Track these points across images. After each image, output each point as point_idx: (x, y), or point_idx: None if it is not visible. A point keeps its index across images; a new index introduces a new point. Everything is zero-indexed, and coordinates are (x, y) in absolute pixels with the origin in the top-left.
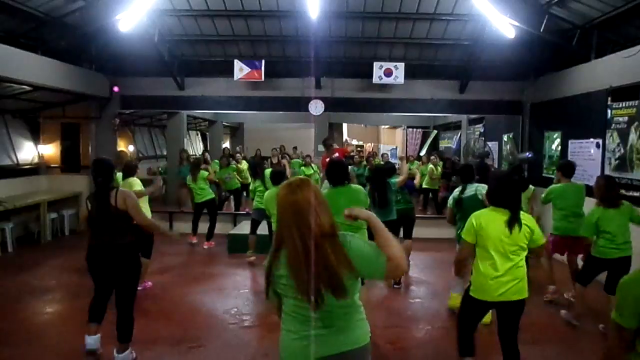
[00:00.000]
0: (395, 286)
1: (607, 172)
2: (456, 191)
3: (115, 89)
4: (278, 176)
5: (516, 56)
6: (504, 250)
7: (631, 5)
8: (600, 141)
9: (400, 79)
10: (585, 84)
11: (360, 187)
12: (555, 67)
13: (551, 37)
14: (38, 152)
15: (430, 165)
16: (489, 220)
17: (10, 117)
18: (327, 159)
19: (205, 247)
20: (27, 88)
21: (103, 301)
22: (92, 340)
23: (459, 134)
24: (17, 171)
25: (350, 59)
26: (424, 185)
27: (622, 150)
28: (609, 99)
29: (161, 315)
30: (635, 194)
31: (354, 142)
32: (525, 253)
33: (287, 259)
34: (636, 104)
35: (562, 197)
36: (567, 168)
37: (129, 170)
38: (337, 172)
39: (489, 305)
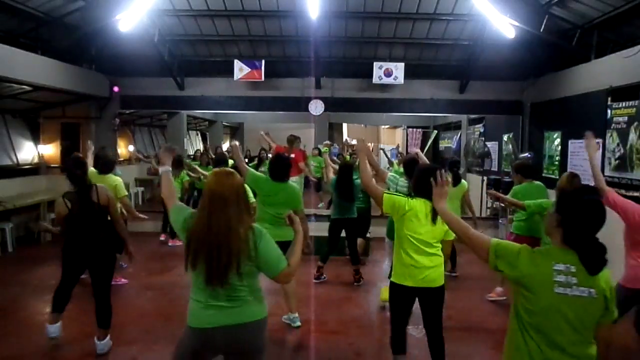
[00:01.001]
0: (355, 284)
1: (607, 172)
2: (395, 184)
3: (115, 89)
4: (220, 160)
5: (516, 56)
6: (424, 239)
7: (631, 5)
8: (600, 141)
9: (400, 79)
10: (585, 84)
11: (297, 188)
12: (555, 67)
13: (551, 37)
14: (38, 152)
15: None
16: (417, 208)
17: (10, 117)
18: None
19: (170, 244)
20: (27, 88)
21: (68, 292)
22: (54, 329)
23: (459, 134)
24: (17, 171)
25: (350, 59)
26: None
27: (622, 150)
28: (609, 99)
29: (161, 315)
30: (635, 193)
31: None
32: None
33: (198, 243)
34: (636, 104)
35: (527, 197)
36: (525, 169)
37: (107, 166)
38: (278, 168)
39: (412, 291)
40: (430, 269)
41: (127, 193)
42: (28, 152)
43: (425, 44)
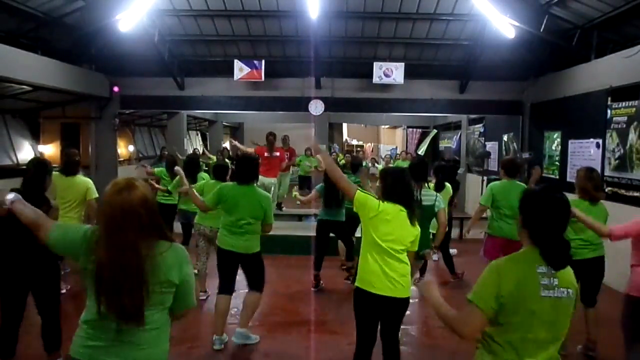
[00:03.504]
0: (345, 281)
1: (607, 172)
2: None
3: (115, 89)
4: (220, 170)
5: (516, 56)
6: (394, 246)
7: (631, 5)
8: (600, 141)
9: (400, 79)
10: (585, 84)
11: (265, 193)
12: (555, 67)
13: (551, 37)
14: (38, 152)
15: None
16: (388, 211)
17: (10, 117)
18: (266, 154)
19: None
20: (27, 88)
21: (15, 329)
22: None
23: (459, 134)
24: (17, 171)
25: (350, 59)
26: None
27: (622, 150)
28: (609, 99)
29: None
30: (636, 193)
31: (354, 142)
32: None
33: (99, 268)
34: (636, 104)
35: (501, 194)
36: (509, 167)
37: (71, 167)
38: (246, 169)
39: (378, 299)
40: (400, 277)
41: (97, 195)
42: (28, 152)
43: (425, 44)
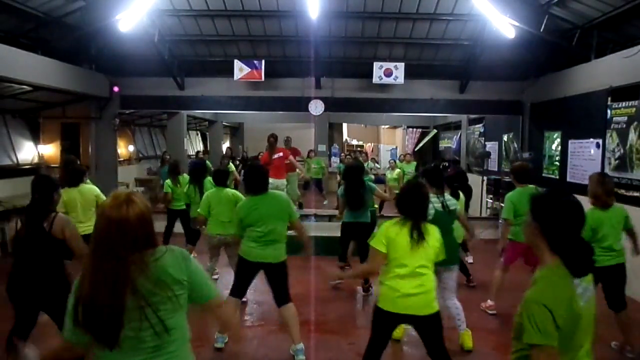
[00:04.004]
0: (364, 293)
1: (607, 172)
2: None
3: (115, 89)
4: (220, 175)
5: (516, 56)
6: (410, 264)
7: (631, 5)
8: (600, 141)
9: (400, 79)
10: (585, 84)
11: (284, 194)
12: (555, 67)
13: (551, 37)
14: (38, 152)
15: (397, 169)
16: (398, 230)
17: (10, 117)
18: (266, 156)
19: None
20: (27, 88)
21: (27, 332)
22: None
23: (459, 134)
24: (17, 171)
25: (350, 59)
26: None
27: (622, 150)
28: (609, 99)
29: None
30: (636, 193)
31: (354, 142)
32: (432, 266)
33: (92, 294)
34: (636, 104)
35: (520, 203)
36: (520, 173)
37: (76, 177)
38: (256, 179)
39: (398, 318)
40: (418, 295)
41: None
42: (28, 152)
43: (425, 44)
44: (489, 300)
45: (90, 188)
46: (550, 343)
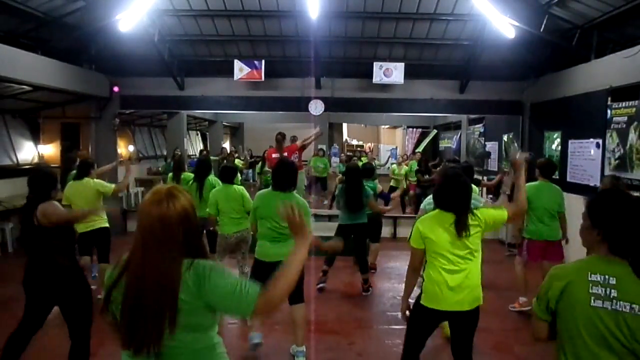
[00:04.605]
0: (364, 293)
1: (607, 172)
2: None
3: (115, 89)
4: (228, 172)
5: (516, 56)
6: (453, 256)
7: (631, 5)
8: (600, 141)
9: (400, 79)
10: (585, 84)
11: (303, 200)
12: (555, 67)
13: (551, 37)
14: (38, 152)
15: (404, 167)
16: (433, 225)
17: (10, 117)
18: (273, 155)
19: None
20: (27, 88)
21: (27, 338)
22: None
23: (459, 134)
24: (17, 171)
25: (350, 59)
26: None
27: (622, 150)
28: (609, 99)
29: None
30: (636, 193)
31: (354, 142)
32: (479, 256)
33: (129, 292)
34: (636, 104)
35: (536, 196)
36: (545, 167)
37: (84, 169)
38: (284, 175)
39: (442, 315)
40: (464, 290)
41: (112, 186)
42: (28, 152)
43: (425, 44)
44: (520, 298)
45: (93, 182)
46: (535, 308)
